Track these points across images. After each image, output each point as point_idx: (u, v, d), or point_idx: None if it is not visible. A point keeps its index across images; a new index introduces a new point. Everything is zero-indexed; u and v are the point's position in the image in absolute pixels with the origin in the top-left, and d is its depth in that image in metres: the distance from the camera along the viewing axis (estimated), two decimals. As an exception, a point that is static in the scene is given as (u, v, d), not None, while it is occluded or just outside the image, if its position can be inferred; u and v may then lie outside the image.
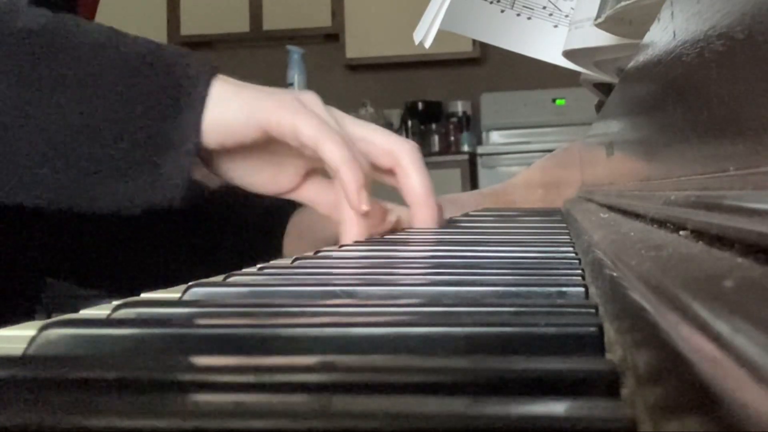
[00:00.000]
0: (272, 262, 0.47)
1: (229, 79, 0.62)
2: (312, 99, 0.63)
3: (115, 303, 0.27)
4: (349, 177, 0.58)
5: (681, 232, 0.26)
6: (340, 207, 0.62)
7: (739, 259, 0.18)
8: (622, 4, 0.48)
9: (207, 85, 0.59)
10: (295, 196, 0.67)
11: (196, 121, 0.58)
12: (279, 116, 0.59)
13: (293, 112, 0.59)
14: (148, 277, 0.74)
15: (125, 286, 0.79)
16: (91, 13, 0.92)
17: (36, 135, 0.56)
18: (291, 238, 0.75)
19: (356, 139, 0.62)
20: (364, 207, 0.59)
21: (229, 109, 0.59)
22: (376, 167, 0.63)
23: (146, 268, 0.77)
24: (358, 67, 4.10)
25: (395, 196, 0.66)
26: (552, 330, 0.21)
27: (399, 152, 0.62)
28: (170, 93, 0.58)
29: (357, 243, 0.55)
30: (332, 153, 0.58)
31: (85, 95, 0.57)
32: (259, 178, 0.65)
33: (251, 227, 0.75)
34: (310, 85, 3.25)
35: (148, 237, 0.68)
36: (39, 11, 0.59)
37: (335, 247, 0.53)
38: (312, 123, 0.59)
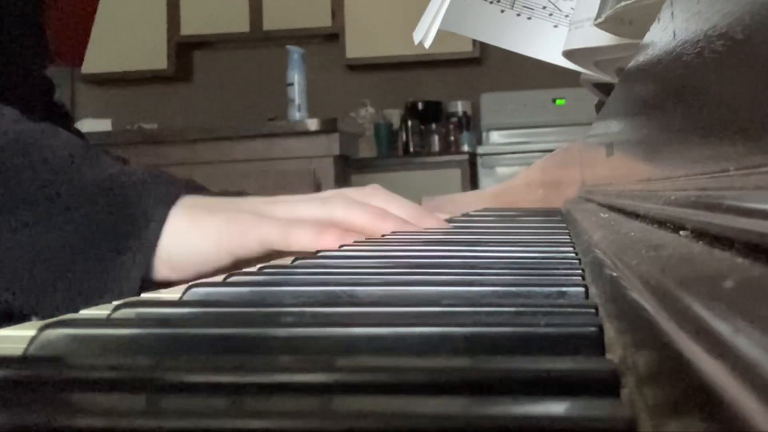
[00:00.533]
0: (272, 262, 0.47)
1: (191, 203, 0.61)
2: (269, 207, 0.63)
3: (115, 303, 0.27)
4: (329, 241, 0.58)
5: (681, 232, 0.26)
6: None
7: (739, 259, 0.18)
8: (622, 4, 0.47)
9: (162, 219, 0.58)
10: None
11: (144, 261, 0.58)
12: (247, 244, 0.59)
13: (257, 231, 0.59)
14: None
15: None
16: (91, 13, 0.92)
17: None
18: None
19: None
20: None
21: (191, 243, 0.59)
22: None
23: None
24: (358, 67, 4.09)
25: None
26: (552, 330, 0.21)
27: (353, 218, 0.62)
28: (120, 230, 0.58)
29: (357, 243, 0.55)
30: (301, 240, 0.58)
31: (35, 221, 0.57)
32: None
33: None
34: (310, 85, 3.25)
35: None
36: (12, 123, 0.59)
37: (335, 247, 0.53)
38: (273, 231, 0.59)
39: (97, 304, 0.57)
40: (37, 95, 0.84)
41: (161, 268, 0.59)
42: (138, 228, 0.58)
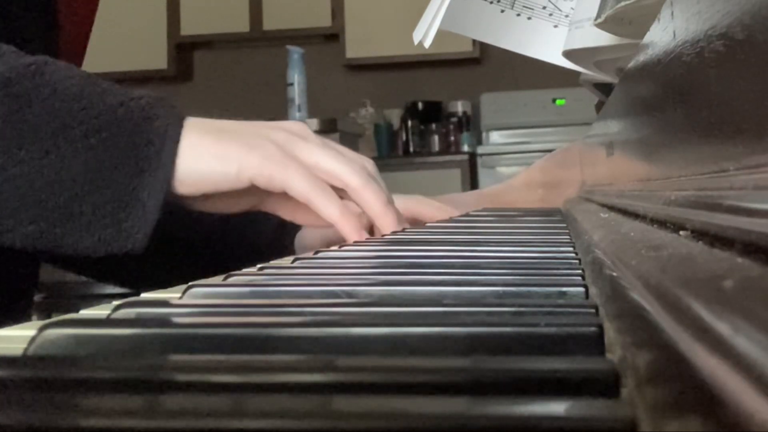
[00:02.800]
0: (272, 262, 0.47)
1: (202, 124, 0.62)
2: (287, 134, 0.64)
3: (115, 303, 0.27)
4: (348, 229, 0.61)
5: (681, 232, 0.26)
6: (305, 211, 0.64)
7: (739, 259, 0.18)
8: (622, 4, 0.47)
9: (177, 138, 0.60)
10: (260, 208, 0.68)
11: (164, 178, 0.59)
12: (270, 172, 0.61)
13: (282, 166, 0.61)
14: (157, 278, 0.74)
15: (135, 281, 0.80)
16: (90, 13, 0.92)
17: (4, 186, 0.57)
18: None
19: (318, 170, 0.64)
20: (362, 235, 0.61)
21: (212, 161, 0.61)
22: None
23: (156, 273, 0.77)
24: (358, 67, 4.09)
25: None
26: (552, 330, 0.21)
27: (344, 176, 0.64)
28: (139, 151, 0.59)
29: (357, 243, 0.55)
30: (326, 209, 0.61)
31: (54, 149, 0.58)
32: (224, 204, 0.66)
33: (266, 248, 0.76)
34: (310, 85, 3.24)
35: (161, 250, 0.68)
36: (15, 56, 0.60)
37: (335, 247, 0.53)
38: (302, 180, 0.61)
39: (122, 226, 0.59)
40: None
41: (180, 186, 0.60)
42: (155, 148, 0.59)
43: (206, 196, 0.62)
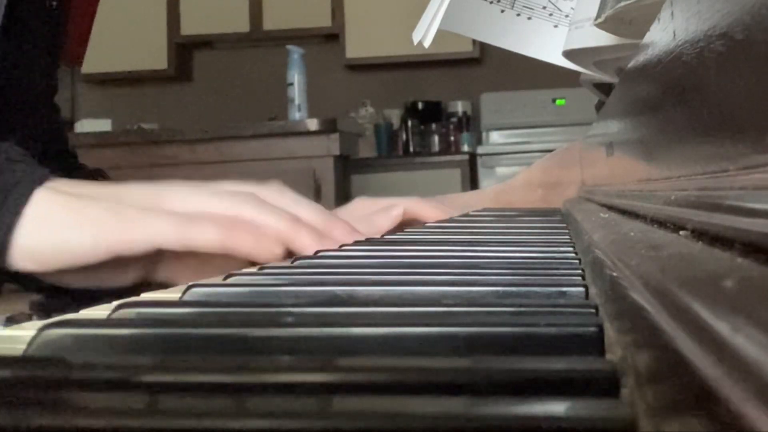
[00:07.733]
0: (272, 262, 0.47)
1: (65, 187, 0.54)
2: (159, 197, 0.55)
3: (115, 303, 0.27)
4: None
5: (681, 232, 0.26)
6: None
7: (739, 259, 0.18)
8: (622, 4, 0.47)
9: (23, 199, 0.52)
10: (153, 279, 0.59)
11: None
12: (132, 241, 0.53)
13: (145, 227, 0.52)
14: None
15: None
16: (90, 14, 0.92)
17: None
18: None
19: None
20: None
21: (62, 234, 0.52)
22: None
23: None
24: (358, 67, 4.09)
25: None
26: (552, 330, 0.21)
27: (266, 222, 0.55)
28: None
29: (357, 243, 0.55)
30: (205, 240, 0.53)
31: None
32: (100, 278, 0.57)
33: None
34: (310, 85, 3.25)
35: None
36: None
37: (335, 247, 0.53)
38: (167, 229, 0.52)
39: None
40: (41, 131, 0.80)
41: (20, 258, 0.52)
42: None
43: (74, 271, 0.54)
